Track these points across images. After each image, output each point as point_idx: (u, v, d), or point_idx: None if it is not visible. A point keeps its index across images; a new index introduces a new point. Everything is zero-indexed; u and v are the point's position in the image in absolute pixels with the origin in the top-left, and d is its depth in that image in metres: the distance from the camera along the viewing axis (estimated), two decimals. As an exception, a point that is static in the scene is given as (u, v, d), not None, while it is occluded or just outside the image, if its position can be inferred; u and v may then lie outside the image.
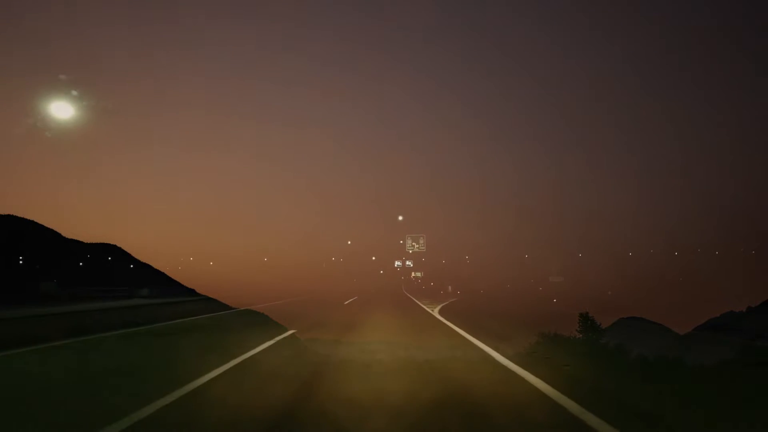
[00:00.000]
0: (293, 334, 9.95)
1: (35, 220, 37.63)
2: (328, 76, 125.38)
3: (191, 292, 35.11)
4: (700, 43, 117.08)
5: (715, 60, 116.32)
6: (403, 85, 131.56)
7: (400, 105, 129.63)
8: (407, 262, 61.68)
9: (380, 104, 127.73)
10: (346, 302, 26.45)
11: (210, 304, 19.91)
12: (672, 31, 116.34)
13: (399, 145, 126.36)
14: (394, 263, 62.64)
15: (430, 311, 19.92)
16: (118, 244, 42.95)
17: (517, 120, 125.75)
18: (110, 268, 37.18)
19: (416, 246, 47.16)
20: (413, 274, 70.51)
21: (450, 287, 50.72)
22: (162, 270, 42.49)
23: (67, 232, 39.96)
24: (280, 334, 9.61)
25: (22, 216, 37.04)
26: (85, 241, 40.38)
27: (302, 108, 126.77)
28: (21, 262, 31.41)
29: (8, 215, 36.20)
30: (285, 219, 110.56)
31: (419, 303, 26.73)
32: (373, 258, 71.56)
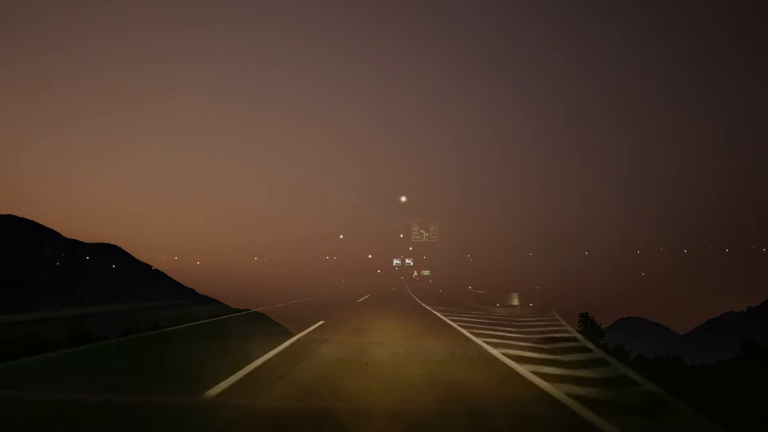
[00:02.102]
0: None
1: (35, 220, 37.68)
2: (320, 62, 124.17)
3: (192, 292, 35.16)
4: (703, 40, 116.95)
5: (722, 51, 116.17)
6: (397, 73, 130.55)
7: (395, 91, 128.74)
8: (407, 261, 56.80)
9: (374, 89, 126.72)
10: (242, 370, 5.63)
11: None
12: (677, 32, 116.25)
13: (397, 137, 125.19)
14: (392, 261, 57.18)
15: None
16: (118, 244, 43.01)
17: (515, 119, 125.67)
18: (105, 269, 37.15)
19: (425, 234, 36.95)
20: (416, 273, 61.90)
21: (517, 297, 26.75)
22: (156, 269, 42.53)
23: (68, 232, 39.93)
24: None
25: (22, 216, 37.08)
26: (85, 241, 40.40)
27: (292, 94, 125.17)
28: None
29: (8, 215, 36.22)
30: (276, 215, 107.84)
31: None
32: (370, 256, 64.53)
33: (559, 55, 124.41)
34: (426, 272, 63.76)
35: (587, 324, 9.93)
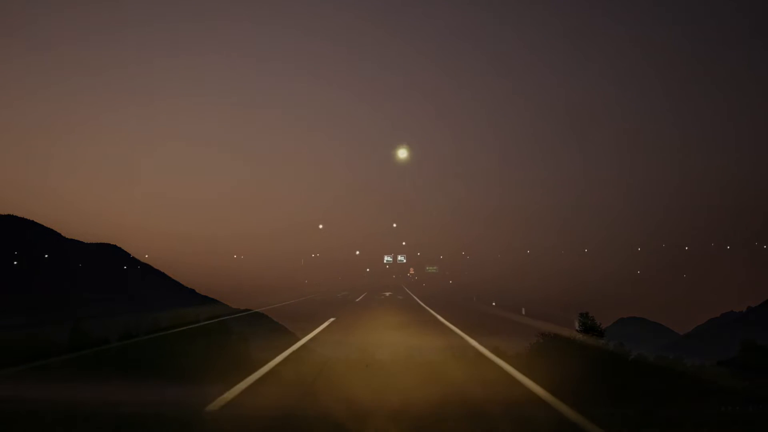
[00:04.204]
0: None
1: (35, 220, 37.69)
2: (301, 50, 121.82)
3: (193, 292, 35.24)
4: (711, 35, 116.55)
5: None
6: (378, 52, 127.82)
7: (385, 77, 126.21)
8: (399, 257, 48.55)
9: (362, 74, 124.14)
10: None
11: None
12: (683, 23, 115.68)
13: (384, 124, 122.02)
14: (383, 258, 49.34)
15: None
16: (118, 244, 42.98)
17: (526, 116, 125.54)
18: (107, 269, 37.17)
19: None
20: (412, 271, 53.95)
21: None
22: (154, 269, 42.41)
23: (68, 232, 39.88)
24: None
25: (22, 216, 37.10)
26: (85, 241, 40.39)
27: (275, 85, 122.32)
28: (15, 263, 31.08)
29: (8, 215, 36.23)
30: (262, 209, 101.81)
31: None
32: (357, 252, 55.81)
33: (558, 47, 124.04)
34: (432, 269, 52.91)
35: (587, 323, 9.89)
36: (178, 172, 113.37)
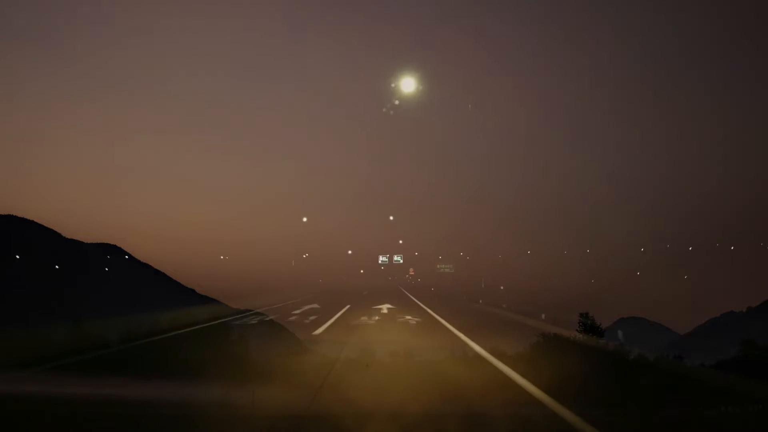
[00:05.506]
0: None
1: (35, 220, 37.66)
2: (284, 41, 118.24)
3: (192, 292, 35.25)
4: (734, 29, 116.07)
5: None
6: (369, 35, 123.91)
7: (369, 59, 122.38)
8: (395, 258, 47.00)
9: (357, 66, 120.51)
10: None
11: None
12: (689, 25, 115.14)
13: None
14: (378, 259, 47.89)
15: None
16: (118, 244, 42.90)
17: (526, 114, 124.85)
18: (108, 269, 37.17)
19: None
20: (412, 272, 49.60)
21: None
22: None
23: (68, 232, 39.76)
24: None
25: (22, 216, 37.08)
26: (85, 241, 40.34)
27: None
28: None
29: (8, 215, 36.22)
30: (255, 209, 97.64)
31: None
32: (350, 252, 53.96)
33: (562, 41, 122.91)
34: (446, 267, 45.19)
35: (587, 324, 9.88)
36: (178, 172, 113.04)
